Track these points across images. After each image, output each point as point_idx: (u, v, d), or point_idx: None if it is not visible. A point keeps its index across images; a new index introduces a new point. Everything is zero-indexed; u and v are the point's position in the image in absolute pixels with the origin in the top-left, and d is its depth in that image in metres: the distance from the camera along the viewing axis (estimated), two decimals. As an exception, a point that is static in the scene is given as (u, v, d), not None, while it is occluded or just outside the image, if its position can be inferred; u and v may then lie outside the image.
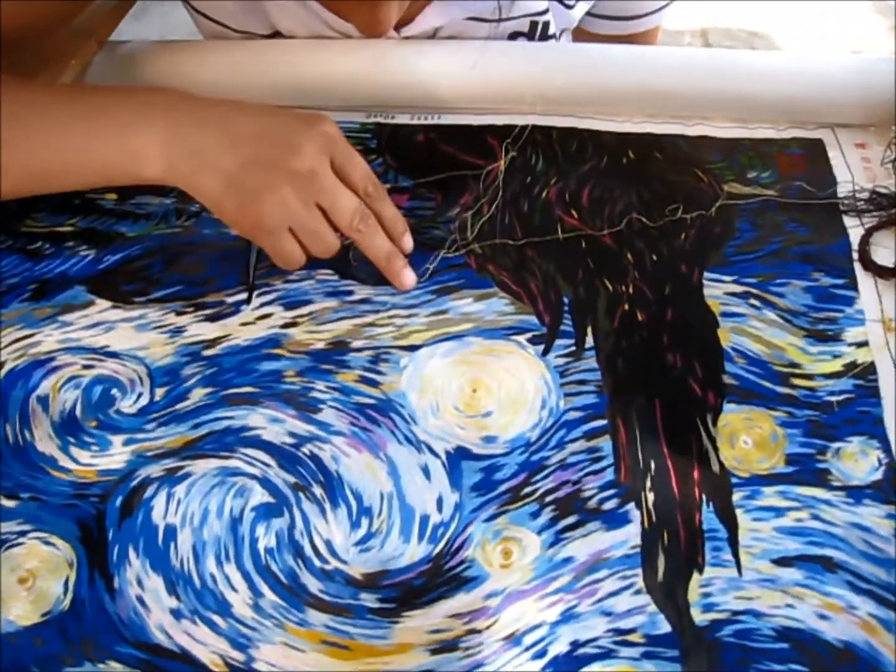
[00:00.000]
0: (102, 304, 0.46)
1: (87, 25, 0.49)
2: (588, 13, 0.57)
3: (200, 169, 0.40)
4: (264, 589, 0.38)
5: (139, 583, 0.38)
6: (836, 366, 0.43)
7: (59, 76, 0.47)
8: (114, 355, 0.44)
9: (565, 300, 0.45)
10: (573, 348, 0.44)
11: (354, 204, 0.42)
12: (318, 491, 0.40)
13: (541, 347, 0.44)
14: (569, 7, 0.53)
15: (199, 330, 0.45)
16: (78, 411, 0.43)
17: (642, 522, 0.39)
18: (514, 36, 0.54)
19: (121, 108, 0.41)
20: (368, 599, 0.38)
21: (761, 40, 1.22)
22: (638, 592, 0.38)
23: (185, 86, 0.51)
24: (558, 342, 0.44)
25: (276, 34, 0.53)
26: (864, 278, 0.45)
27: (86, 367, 0.44)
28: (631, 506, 0.40)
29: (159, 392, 0.43)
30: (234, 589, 0.38)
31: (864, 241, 0.46)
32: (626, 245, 0.47)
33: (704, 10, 1.28)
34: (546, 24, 0.53)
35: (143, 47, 0.52)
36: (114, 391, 0.43)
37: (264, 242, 0.42)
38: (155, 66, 0.51)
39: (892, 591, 0.37)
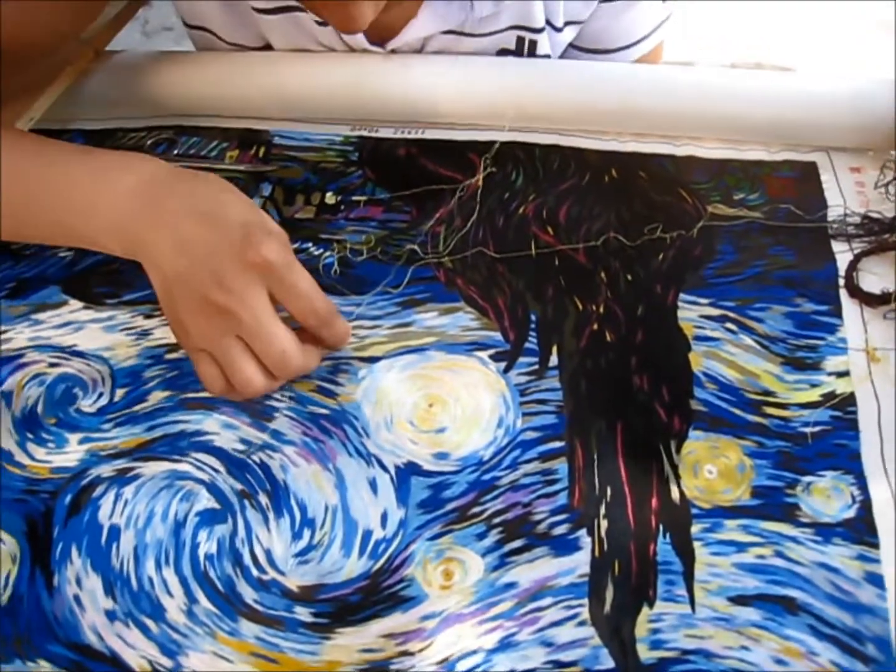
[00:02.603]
0: (75, 304, 0.47)
1: (85, 33, 0.50)
2: (574, 46, 0.56)
3: (147, 262, 0.39)
4: (200, 595, 0.38)
5: (78, 582, 0.38)
6: (814, 395, 0.41)
7: (54, 81, 0.48)
8: (80, 355, 0.45)
9: (532, 317, 0.44)
10: (536, 366, 0.43)
11: (278, 347, 0.38)
12: (263, 499, 0.40)
13: (503, 364, 0.43)
14: (558, 30, 0.53)
15: (165, 333, 0.45)
16: (39, 408, 0.43)
17: (593, 550, 0.37)
18: (501, 53, 0.53)
19: (89, 181, 0.40)
20: (302, 613, 0.37)
21: (793, 74, 1.19)
22: (582, 624, 0.36)
23: (175, 96, 0.53)
24: (521, 360, 0.43)
25: (266, 47, 0.54)
26: (849, 305, 0.43)
27: (52, 365, 0.45)
28: (582, 532, 0.38)
29: (119, 393, 0.43)
30: (169, 594, 0.38)
31: (852, 266, 0.43)
32: (601, 264, 0.46)
33: (734, 45, 1.27)
34: (533, 43, 0.52)
35: (137, 57, 0.53)
36: (76, 390, 0.44)
37: (189, 356, 0.41)
38: (147, 76, 0.53)
39: (859, 638, 0.35)
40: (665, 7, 0.55)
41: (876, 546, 0.36)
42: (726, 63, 1.22)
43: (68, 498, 0.40)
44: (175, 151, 0.52)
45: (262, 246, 0.37)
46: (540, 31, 0.51)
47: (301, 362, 0.39)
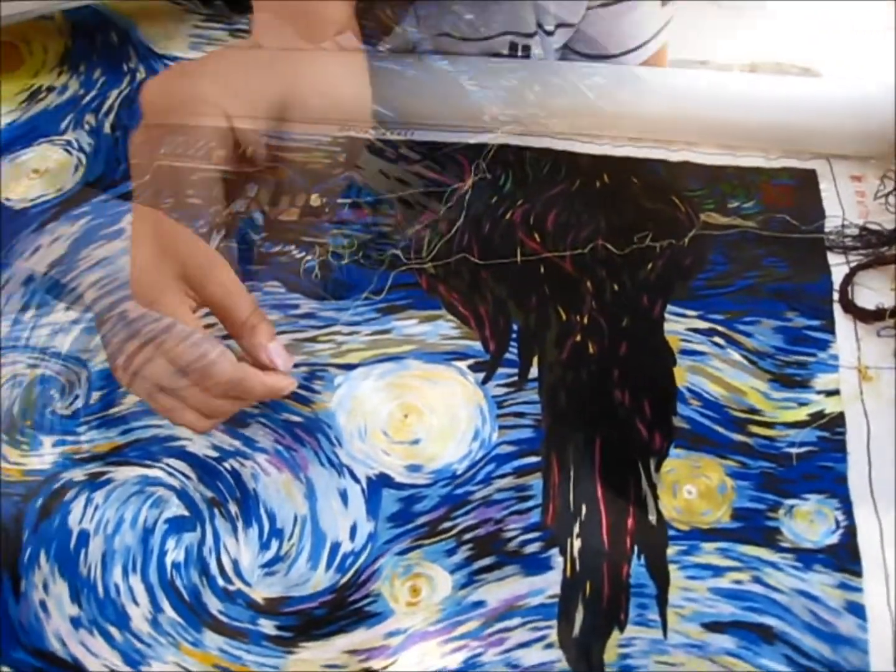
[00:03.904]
0: (57, 305, 0.46)
1: None
2: (569, 48, 0.54)
3: None
4: (165, 604, 0.37)
5: (45, 587, 0.38)
6: (801, 414, 0.39)
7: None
8: (58, 356, 0.44)
9: (514, 327, 0.43)
10: (515, 378, 0.41)
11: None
12: (233, 508, 0.39)
13: (482, 375, 0.42)
14: (549, 34, 0.51)
15: (143, 336, 0.45)
16: (16, 410, 0.43)
17: (564, 570, 0.36)
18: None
19: None
20: (266, 625, 0.36)
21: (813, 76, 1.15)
22: (550, 646, 0.35)
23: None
24: (501, 371, 0.42)
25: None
26: (842, 321, 0.41)
27: (30, 366, 0.44)
28: (554, 551, 0.37)
29: (95, 395, 0.43)
30: (135, 602, 0.37)
31: (847, 280, 0.42)
32: (587, 273, 0.44)
33: (754, 44, 1.23)
34: (527, 48, 0.51)
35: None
36: (52, 392, 0.43)
37: None
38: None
39: (836, 671, 0.33)
40: (666, 10, 0.53)
41: (859, 574, 0.35)
42: (745, 62, 1.19)
43: (40, 501, 0.40)
44: (161, 151, 0.51)
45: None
46: (532, 35, 0.50)
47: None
